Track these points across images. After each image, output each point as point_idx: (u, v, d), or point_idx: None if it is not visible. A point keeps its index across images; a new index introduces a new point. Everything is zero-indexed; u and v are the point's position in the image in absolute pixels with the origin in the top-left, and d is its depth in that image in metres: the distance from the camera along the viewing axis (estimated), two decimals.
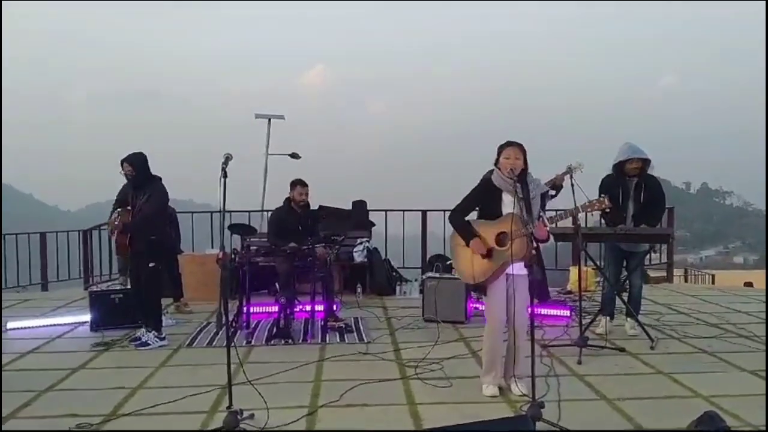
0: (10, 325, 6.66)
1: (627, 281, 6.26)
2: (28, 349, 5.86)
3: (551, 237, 4.51)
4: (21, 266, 9.85)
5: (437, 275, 7.01)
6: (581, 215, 5.07)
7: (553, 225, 4.51)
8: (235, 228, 7.08)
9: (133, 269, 6.15)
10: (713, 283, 17.21)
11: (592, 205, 4.56)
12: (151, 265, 6.01)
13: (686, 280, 17.34)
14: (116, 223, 5.96)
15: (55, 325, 6.78)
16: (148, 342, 5.92)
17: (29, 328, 6.66)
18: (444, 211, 8.97)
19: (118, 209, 6.03)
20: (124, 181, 6.07)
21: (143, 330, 6.02)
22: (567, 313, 6.90)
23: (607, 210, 4.70)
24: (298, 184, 6.82)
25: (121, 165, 5.96)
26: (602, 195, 4.65)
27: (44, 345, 6.07)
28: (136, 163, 5.95)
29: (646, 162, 5.98)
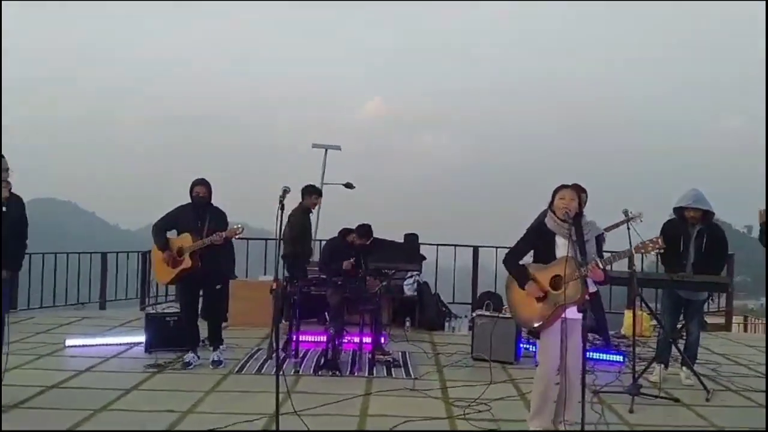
0: (68, 342, 6.90)
1: (684, 329, 6.10)
2: (85, 367, 6.04)
3: (606, 278, 4.44)
4: (81, 284, 10.17)
5: (488, 313, 6.95)
6: (637, 258, 4.99)
7: (608, 267, 4.43)
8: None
9: (196, 292, 6.30)
10: None
11: (646, 246, 4.47)
12: (218, 287, 6.35)
13: (746, 329, 16.67)
14: (210, 240, 5.94)
15: (111, 344, 6.96)
16: (221, 360, 6.17)
17: (87, 346, 6.86)
18: (496, 248, 8.98)
19: (183, 234, 6.14)
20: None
21: (213, 351, 6.23)
22: (620, 358, 6.75)
23: (661, 251, 4.59)
24: (363, 234, 6.97)
25: (192, 187, 6.18)
26: (656, 238, 4.54)
27: (100, 364, 6.23)
28: (210, 187, 6.23)
29: (707, 213, 5.85)
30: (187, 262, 6.09)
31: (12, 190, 4.74)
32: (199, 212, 6.17)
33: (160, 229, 6.27)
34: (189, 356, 6.16)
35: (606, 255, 4.57)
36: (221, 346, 6.37)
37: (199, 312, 6.47)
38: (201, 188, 6.20)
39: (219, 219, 6.18)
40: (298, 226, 8.00)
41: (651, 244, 4.44)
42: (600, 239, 4.56)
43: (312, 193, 8.15)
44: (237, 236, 5.96)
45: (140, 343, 6.84)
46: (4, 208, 4.56)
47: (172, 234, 6.30)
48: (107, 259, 10.36)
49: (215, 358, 6.18)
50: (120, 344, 6.97)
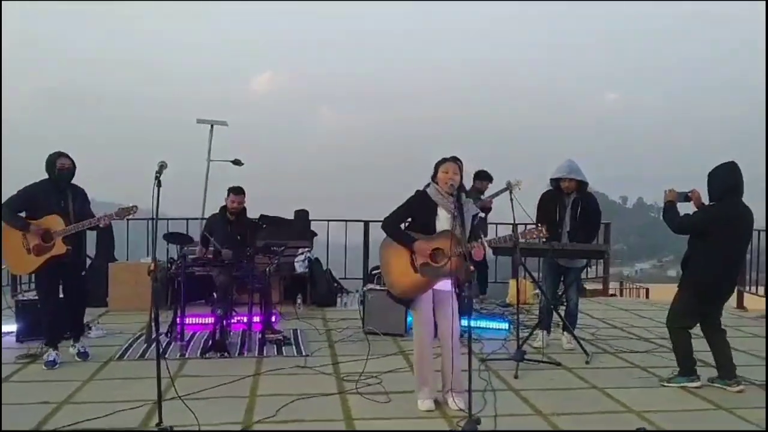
0: None
1: (564, 295, 6.36)
2: None
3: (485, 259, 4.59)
4: None
5: (378, 287, 6.98)
6: (519, 228, 5.15)
7: (492, 247, 4.56)
8: (170, 237, 6.88)
9: (60, 279, 5.64)
10: (647, 296, 17.72)
11: (530, 233, 4.61)
12: (83, 273, 5.81)
13: (621, 294, 17.79)
14: (95, 222, 5.35)
15: None
16: (88, 351, 5.70)
17: None
18: None
19: (49, 216, 5.41)
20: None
21: (73, 344, 5.71)
22: (505, 326, 6.96)
23: (545, 239, 4.77)
24: (231, 191, 6.72)
25: (54, 160, 5.45)
26: (539, 225, 4.69)
27: None
28: (74, 161, 5.56)
29: (582, 183, 6.10)
30: (59, 248, 5.38)
31: None
32: (62, 190, 5.51)
33: (14, 210, 5.42)
34: (53, 354, 5.45)
35: (491, 238, 4.70)
36: (88, 333, 6.04)
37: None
38: (67, 161, 5.49)
39: (84, 198, 5.63)
40: None
41: (536, 232, 4.58)
42: (475, 218, 4.63)
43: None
44: (130, 216, 5.52)
45: (11, 332, 6.36)
46: None
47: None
48: None
49: (81, 350, 5.67)
50: None
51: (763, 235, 8.74)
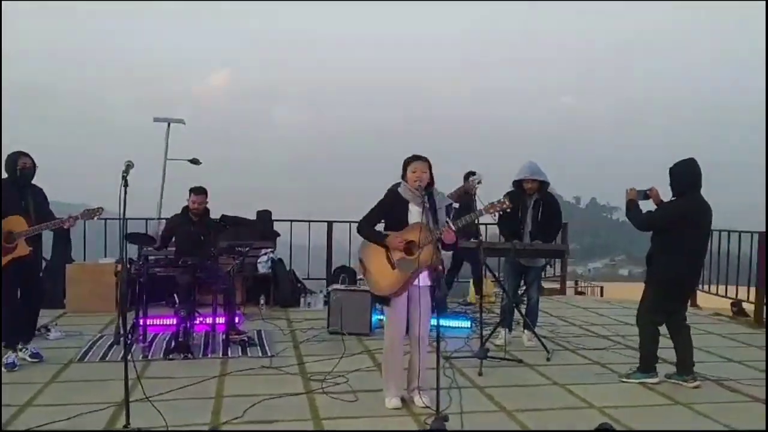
0: None
1: (525, 294, 6.49)
2: None
3: (457, 240, 4.59)
4: None
5: (343, 287, 7.00)
6: (481, 230, 5.24)
7: (459, 226, 4.51)
8: (133, 237, 6.77)
9: (21, 281, 5.50)
10: (602, 295, 18.16)
11: (494, 206, 4.64)
12: (40, 274, 5.66)
13: (577, 292, 18.18)
14: (58, 223, 5.32)
15: None
16: (40, 352, 5.58)
17: None
18: (350, 222, 9.02)
19: (12, 217, 5.28)
20: None
21: (22, 346, 5.53)
22: (468, 324, 7.06)
23: (509, 210, 4.76)
24: (192, 192, 6.57)
25: (15, 159, 5.37)
26: (504, 196, 4.74)
27: None
28: (34, 161, 5.47)
29: (543, 183, 6.22)
30: (22, 249, 5.29)
31: None
32: (22, 190, 5.42)
33: None
34: (12, 357, 5.35)
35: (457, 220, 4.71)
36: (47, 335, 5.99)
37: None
38: (28, 160, 5.41)
39: (43, 198, 5.54)
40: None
41: (499, 204, 4.62)
42: (450, 208, 4.70)
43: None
44: (95, 218, 5.43)
45: None
46: None
47: None
48: None
49: (34, 351, 5.55)
50: None
51: (757, 237, 8.76)
